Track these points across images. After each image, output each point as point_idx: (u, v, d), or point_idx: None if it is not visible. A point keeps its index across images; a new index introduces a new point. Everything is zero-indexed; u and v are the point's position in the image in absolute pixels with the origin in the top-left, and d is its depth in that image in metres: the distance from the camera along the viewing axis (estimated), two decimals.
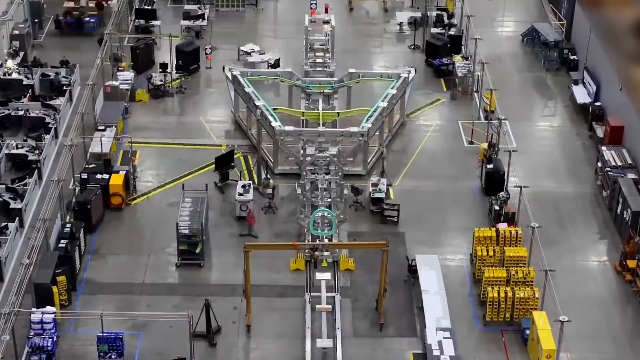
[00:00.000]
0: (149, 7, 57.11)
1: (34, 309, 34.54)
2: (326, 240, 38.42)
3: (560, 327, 32.61)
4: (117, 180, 41.59)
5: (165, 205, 42.32)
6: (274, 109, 45.24)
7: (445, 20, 57.05)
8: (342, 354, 34.45)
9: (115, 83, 48.86)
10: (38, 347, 33.72)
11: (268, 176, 43.17)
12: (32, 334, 34.04)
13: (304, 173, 41.75)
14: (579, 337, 35.37)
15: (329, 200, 40.54)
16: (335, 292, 37.30)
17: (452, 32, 55.30)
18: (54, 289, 35.56)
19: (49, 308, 34.60)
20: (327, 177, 41.54)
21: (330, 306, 35.86)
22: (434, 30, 55.78)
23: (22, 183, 41.83)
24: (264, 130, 45.09)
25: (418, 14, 57.18)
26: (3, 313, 32.86)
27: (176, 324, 34.83)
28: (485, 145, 44.27)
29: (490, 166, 43.01)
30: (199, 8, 57.33)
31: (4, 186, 41.45)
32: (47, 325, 34.08)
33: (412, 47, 55.18)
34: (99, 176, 41.86)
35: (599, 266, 39.56)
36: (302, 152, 43.27)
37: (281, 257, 39.41)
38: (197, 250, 38.98)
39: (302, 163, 42.49)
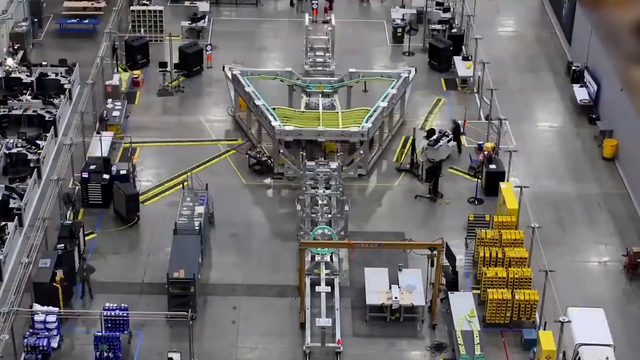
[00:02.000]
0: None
1: (37, 307, 34.53)
2: (327, 258, 37.71)
3: (560, 328, 32.57)
4: None
5: (164, 205, 42.27)
6: (274, 109, 45.17)
7: (442, 15, 56.90)
8: (341, 333, 34.79)
9: (115, 82, 48.94)
10: (33, 347, 33.64)
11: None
12: (27, 333, 34.02)
13: (304, 188, 40.89)
14: None
15: (329, 216, 39.85)
16: (334, 273, 37.37)
17: (454, 30, 55.21)
18: (58, 284, 35.53)
19: (52, 308, 34.61)
20: (327, 192, 40.77)
21: (329, 319, 35.39)
22: (434, 26, 55.76)
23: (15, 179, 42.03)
24: (264, 129, 45.13)
25: (413, 11, 57.11)
26: (2, 312, 32.84)
27: (175, 323, 34.84)
28: (489, 145, 44.27)
29: (492, 166, 43.07)
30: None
31: (3, 186, 41.49)
32: (50, 325, 34.08)
33: (407, 53, 54.99)
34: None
35: (599, 267, 39.53)
36: (302, 165, 42.31)
37: (280, 257, 39.44)
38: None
39: (302, 177, 41.67)
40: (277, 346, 35.39)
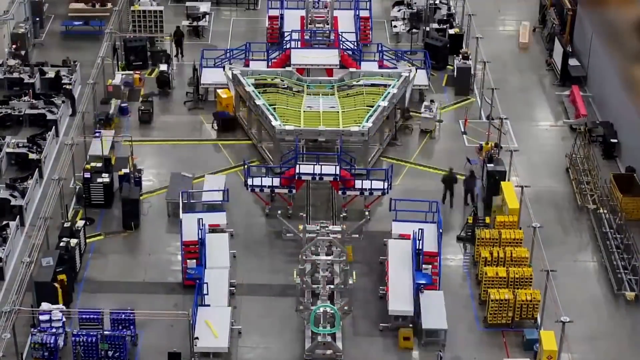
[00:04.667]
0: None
1: (44, 306, 34.59)
2: (329, 338, 34.32)
3: (561, 328, 32.58)
4: None
5: (165, 204, 42.28)
6: (274, 108, 45.11)
7: (443, 13, 56.92)
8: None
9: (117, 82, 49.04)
10: (41, 344, 33.66)
11: None
12: (34, 330, 34.10)
13: (304, 257, 36.18)
14: (580, 338, 35.34)
15: (332, 287, 35.54)
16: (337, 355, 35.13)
17: (455, 30, 55.23)
18: (57, 287, 35.55)
19: (57, 306, 34.66)
20: (329, 258, 36.38)
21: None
22: (433, 25, 55.83)
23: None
24: (264, 129, 45.16)
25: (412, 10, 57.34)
26: (4, 311, 32.91)
27: (176, 323, 34.85)
28: (487, 145, 44.29)
29: (490, 165, 43.03)
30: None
31: (4, 184, 41.56)
32: (56, 324, 34.12)
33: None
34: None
35: (600, 267, 39.54)
36: (302, 228, 38.28)
37: (280, 256, 39.47)
38: None
39: (302, 242, 37.58)
40: (277, 346, 35.40)
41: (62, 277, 36.14)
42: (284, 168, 41.63)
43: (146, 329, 35.57)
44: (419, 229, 37.67)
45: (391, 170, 41.86)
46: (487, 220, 40.03)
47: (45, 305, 34.57)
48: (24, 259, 35.02)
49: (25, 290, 34.23)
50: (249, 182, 41.09)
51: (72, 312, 35.12)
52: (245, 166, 41.78)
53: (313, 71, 50.08)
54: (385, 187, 40.98)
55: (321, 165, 41.19)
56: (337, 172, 40.95)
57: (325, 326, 34.09)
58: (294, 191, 41.24)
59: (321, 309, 34.32)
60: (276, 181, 41.38)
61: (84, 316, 34.56)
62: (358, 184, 41.21)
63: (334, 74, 49.27)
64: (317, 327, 34.13)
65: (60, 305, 34.94)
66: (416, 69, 49.18)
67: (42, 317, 34.13)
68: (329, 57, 50.54)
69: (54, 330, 34.01)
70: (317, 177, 41.11)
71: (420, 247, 37.40)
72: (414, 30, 55.37)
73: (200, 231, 38.00)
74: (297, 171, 41.08)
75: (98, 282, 38.11)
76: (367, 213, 39.83)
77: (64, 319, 34.42)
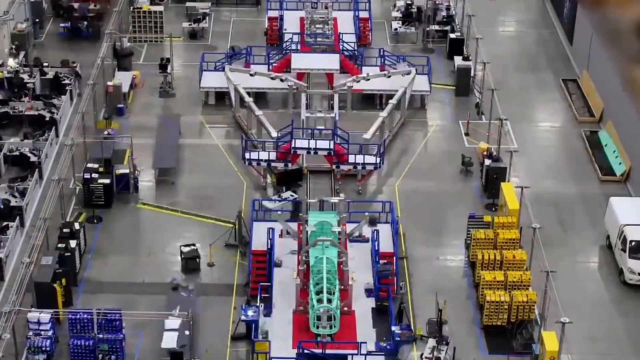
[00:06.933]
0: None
1: (34, 309, 34.51)
2: (328, 338, 34.14)
3: (561, 329, 32.55)
4: None
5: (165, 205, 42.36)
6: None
7: (443, 14, 57.01)
8: None
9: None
10: (37, 347, 33.64)
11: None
12: (31, 333, 34.02)
13: (304, 257, 36.17)
14: (580, 339, 35.32)
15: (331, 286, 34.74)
16: None
17: (456, 34, 55.17)
18: (57, 287, 35.49)
19: (45, 310, 34.58)
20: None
21: None
22: (433, 27, 55.85)
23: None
24: (264, 130, 45.19)
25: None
26: (4, 312, 32.89)
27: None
28: (484, 145, 44.26)
29: (488, 162, 43.02)
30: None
31: (4, 185, 41.55)
32: (44, 327, 33.97)
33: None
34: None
35: (600, 267, 39.52)
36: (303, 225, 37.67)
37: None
38: None
39: (302, 247, 37.14)
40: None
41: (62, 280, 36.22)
42: (281, 142, 42.62)
43: (145, 329, 35.56)
44: (374, 230, 38.21)
45: (383, 145, 42.85)
46: (488, 218, 39.95)
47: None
48: (24, 259, 35.01)
49: (25, 290, 34.22)
50: (247, 156, 42.15)
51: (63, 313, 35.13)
52: (243, 141, 42.73)
53: (313, 76, 50.03)
54: (378, 161, 42.01)
55: (316, 140, 42.25)
56: (332, 147, 41.88)
57: (325, 327, 33.90)
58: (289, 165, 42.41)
59: (321, 309, 34.13)
60: (272, 155, 42.50)
61: (71, 316, 34.25)
62: (351, 158, 42.29)
63: (334, 79, 49.12)
64: (317, 328, 33.91)
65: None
66: (416, 70, 49.21)
67: (30, 319, 33.93)
68: (330, 61, 50.32)
69: (49, 334, 33.93)
70: (312, 152, 42.33)
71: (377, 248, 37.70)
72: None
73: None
74: (292, 145, 42.01)
75: (98, 283, 38.10)
76: (359, 188, 41.02)
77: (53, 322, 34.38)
